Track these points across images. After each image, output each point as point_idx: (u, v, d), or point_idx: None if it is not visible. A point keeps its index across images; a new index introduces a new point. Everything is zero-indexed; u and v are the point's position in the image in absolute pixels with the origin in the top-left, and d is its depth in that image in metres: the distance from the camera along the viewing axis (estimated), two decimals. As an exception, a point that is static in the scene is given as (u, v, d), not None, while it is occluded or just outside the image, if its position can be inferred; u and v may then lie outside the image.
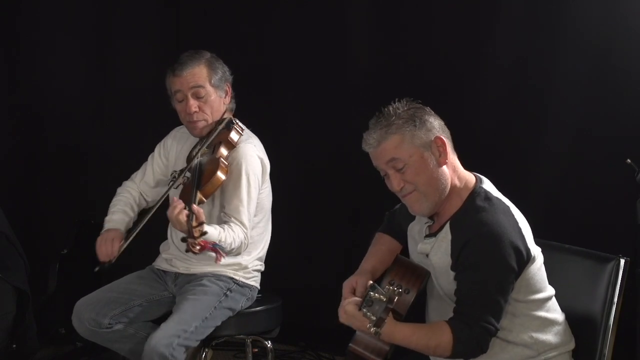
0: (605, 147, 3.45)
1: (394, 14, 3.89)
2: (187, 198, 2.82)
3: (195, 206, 2.70)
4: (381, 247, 2.57)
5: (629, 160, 2.83)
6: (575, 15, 3.49)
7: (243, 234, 2.91)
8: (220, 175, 2.88)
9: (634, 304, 2.77)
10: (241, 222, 2.92)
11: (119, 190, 3.24)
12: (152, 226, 3.26)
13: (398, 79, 3.87)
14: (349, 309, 2.21)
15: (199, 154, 2.97)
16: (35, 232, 4.23)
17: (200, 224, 2.65)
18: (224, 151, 2.96)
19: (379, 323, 2.05)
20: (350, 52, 4.01)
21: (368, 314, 2.06)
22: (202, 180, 2.87)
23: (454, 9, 3.76)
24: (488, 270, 2.22)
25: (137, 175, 3.26)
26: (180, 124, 3.18)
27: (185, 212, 2.66)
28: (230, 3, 4.20)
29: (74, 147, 4.32)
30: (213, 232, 2.78)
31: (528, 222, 2.37)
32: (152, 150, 3.27)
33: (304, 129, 4.14)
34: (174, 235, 3.15)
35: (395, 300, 2.05)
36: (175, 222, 2.70)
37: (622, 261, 2.42)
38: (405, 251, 2.56)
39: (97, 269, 2.97)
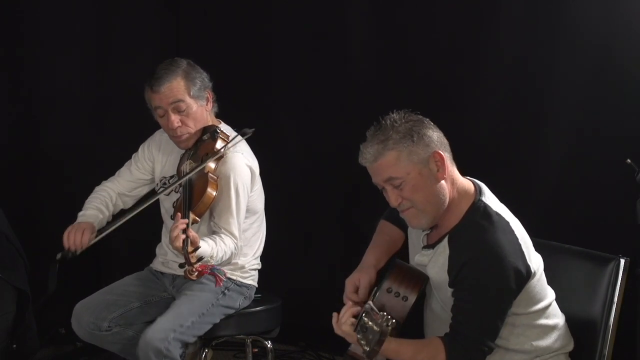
0: (605, 147, 3.45)
1: (394, 16, 3.88)
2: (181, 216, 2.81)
3: (190, 231, 2.68)
4: (384, 237, 2.55)
5: (629, 160, 2.82)
6: (575, 15, 3.48)
7: (233, 244, 2.92)
8: (211, 191, 2.86)
9: (634, 304, 2.76)
10: (231, 233, 2.93)
11: (96, 188, 3.21)
12: (150, 227, 3.27)
13: (397, 80, 3.86)
14: (344, 329, 2.20)
15: (188, 171, 2.93)
16: (35, 232, 4.23)
17: (196, 249, 2.65)
18: (211, 165, 2.92)
19: (371, 355, 2.05)
20: (350, 52, 4.01)
21: (362, 341, 2.06)
22: (194, 200, 2.85)
23: (454, 11, 3.75)
24: (488, 293, 2.20)
25: (119, 175, 3.22)
26: None
27: (182, 236, 2.65)
28: (230, 3, 4.19)
29: (74, 147, 4.31)
30: (206, 247, 2.78)
31: (528, 222, 2.37)
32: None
33: (303, 128, 4.13)
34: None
35: (388, 333, 2.02)
36: (173, 241, 2.68)
37: (622, 261, 2.43)
38: (406, 242, 2.57)
39: (59, 256, 2.92)
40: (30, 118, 4.34)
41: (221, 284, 2.80)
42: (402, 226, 2.56)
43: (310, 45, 4.07)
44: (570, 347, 2.38)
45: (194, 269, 2.60)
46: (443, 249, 2.30)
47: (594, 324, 2.41)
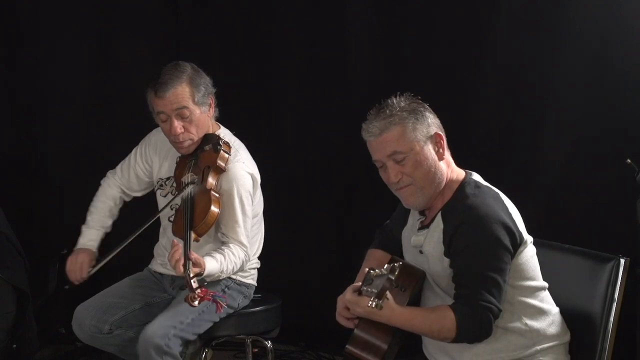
0: (605, 147, 3.45)
1: (394, 16, 3.88)
2: (181, 234, 2.81)
3: (192, 254, 2.68)
4: (375, 262, 2.57)
5: (629, 161, 2.83)
6: (574, 17, 3.48)
7: (243, 252, 2.93)
8: (215, 209, 2.83)
9: (634, 304, 2.76)
10: (240, 242, 2.93)
11: (101, 186, 3.23)
12: (149, 227, 3.27)
13: (397, 82, 3.86)
14: (348, 297, 2.23)
15: (189, 184, 2.90)
16: (35, 232, 4.23)
17: (199, 274, 2.67)
18: (212, 181, 2.89)
19: (380, 294, 2.05)
20: (349, 52, 4.00)
21: (369, 290, 2.06)
22: (195, 218, 2.82)
23: (453, 11, 3.75)
24: (481, 250, 2.24)
25: (121, 172, 3.23)
26: None
27: (182, 261, 2.64)
28: (229, 4, 4.19)
29: (74, 147, 4.31)
30: (214, 265, 2.79)
31: (528, 222, 2.37)
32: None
33: (301, 129, 4.13)
34: (167, 241, 3.13)
35: (397, 272, 2.04)
36: (174, 267, 2.69)
37: (622, 261, 2.42)
38: None
39: (67, 287, 3.02)
40: (30, 118, 4.34)
41: (221, 311, 2.81)
42: (392, 251, 2.58)
43: (311, 45, 4.06)
44: (567, 337, 2.39)
45: (196, 296, 2.59)
46: (437, 225, 2.35)
47: (594, 324, 2.41)
